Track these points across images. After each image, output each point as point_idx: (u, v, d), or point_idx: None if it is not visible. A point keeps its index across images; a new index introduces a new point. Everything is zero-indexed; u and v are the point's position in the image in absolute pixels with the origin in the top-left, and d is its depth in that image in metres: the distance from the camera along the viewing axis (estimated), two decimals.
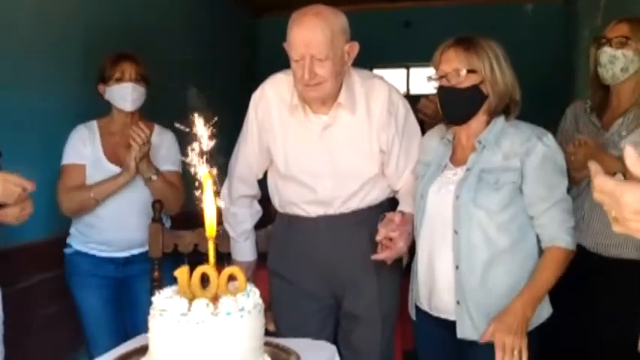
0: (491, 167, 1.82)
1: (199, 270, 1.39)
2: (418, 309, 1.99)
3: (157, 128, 2.69)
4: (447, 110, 1.90)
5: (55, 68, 2.98)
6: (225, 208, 2.28)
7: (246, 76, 6.27)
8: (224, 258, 2.46)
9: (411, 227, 1.97)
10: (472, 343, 1.83)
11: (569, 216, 1.85)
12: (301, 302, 2.09)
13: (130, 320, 2.56)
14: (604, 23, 4.38)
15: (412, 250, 2.01)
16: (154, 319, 1.34)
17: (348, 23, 1.99)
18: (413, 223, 1.98)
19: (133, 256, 2.59)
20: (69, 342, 2.90)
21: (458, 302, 1.83)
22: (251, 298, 1.38)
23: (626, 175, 0.88)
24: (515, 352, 1.76)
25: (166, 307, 1.33)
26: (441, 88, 1.88)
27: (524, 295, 1.79)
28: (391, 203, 2.18)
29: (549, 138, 1.85)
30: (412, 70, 6.44)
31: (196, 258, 2.49)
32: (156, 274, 2.41)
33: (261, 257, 2.34)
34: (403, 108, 2.10)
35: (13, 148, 2.13)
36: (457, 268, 1.83)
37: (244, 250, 2.28)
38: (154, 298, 1.38)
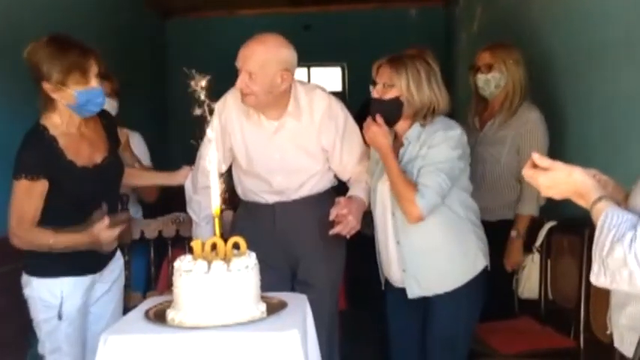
0: (413, 157, 2.30)
1: (210, 241, 1.82)
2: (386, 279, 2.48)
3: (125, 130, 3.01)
4: (374, 116, 2.35)
5: None
6: (189, 196, 2.69)
7: (156, 77, 6.51)
8: (185, 240, 2.86)
9: (357, 206, 2.44)
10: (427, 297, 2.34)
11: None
12: (264, 272, 2.53)
13: None
14: (480, 29, 5.13)
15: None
16: (181, 278, 1.75)
17: (292, 57, 2.43)
18: (361, 203, 2.46)
19: None
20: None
21: (404, 270, 2.34)
22: (252, 258, 1.83)
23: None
24: None
25: (191, 268, 1.75)
26: (371, 99, 2.37)
27: None
28: (336, 189, 2.67)
29: (454, 130, 2.29)
30: (313, 70, 7.01)
31: (161, 242, 2.90)
32: (126, 257, 2.76)
33: None
34: (342, 113, 2.58)
35: None
36: (398, 243, 2.34)
37: (205, 232, 2.66)
38: (176, 263, 1.80)
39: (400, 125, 2.36)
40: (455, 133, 2.30)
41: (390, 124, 2.36)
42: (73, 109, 2.24)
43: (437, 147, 2.26)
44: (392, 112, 2.32)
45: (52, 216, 2.25)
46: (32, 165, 2.20)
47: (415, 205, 2.22)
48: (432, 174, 2.24)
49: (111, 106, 2.89)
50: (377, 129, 2.32)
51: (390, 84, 2.30)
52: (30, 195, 2.20)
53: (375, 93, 2.34)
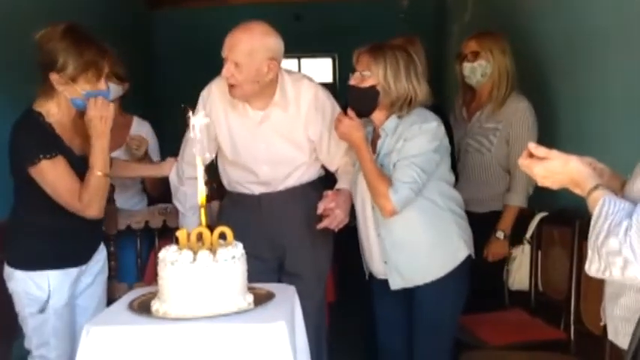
0: (390, 151, 2.28)
1: (195, 230, 1.78)
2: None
3: (135, 120, 2.99)
4: (351, 104, 2.32)
5: None
6: (174, 187, 2.65)
7: (142, 68, 6.41)
8: (172, 231, 2.81)
9: (344, 199, 2.42)
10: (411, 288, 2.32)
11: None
12: (251, 263, 2.50)
13: None
14: (472, 19, 5.10)
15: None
16: (166, 268, 1.71)
17: (279, 46, 2.37)
18: (349, 195, 2.44)
19: None
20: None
21: (385, 262, 2.32)
22: (239, 248, 1.80)
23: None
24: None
25: (176, 258, 1.71)
26: (348, 86, 2.33)
27: None
28: (324, 180, 2.63)
29: (429, 122, 2.26)
30: (303, 61, 6.96)
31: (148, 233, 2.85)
32: (112, 248, 2.72)
33: None
34: (329, 103, 2.52)
35: None
36: (379, 235, 2.32)
37: (192, 223, 2.62)
38: (161, 253, 1.76)
39: (376, 116, 2.33)
40: (431, 125, 2.27)
41: (365, 113, 2.32)
42: (75, 103, 2.20)
43: (412, 140, 2.24)
44: (367, 100, 2.28)
45: (48, 203, 2.18)
46: (43, 145, 2.14)
47: (389, 200, 2.20)
48: (406, 168, 2.22)
49: (115, 91, 2.84)
50: (350, 122, 2.28)
51: (367, 72, 2.27)
52: (60, 170, 2.15)
53: (353, 80, 2.30)
